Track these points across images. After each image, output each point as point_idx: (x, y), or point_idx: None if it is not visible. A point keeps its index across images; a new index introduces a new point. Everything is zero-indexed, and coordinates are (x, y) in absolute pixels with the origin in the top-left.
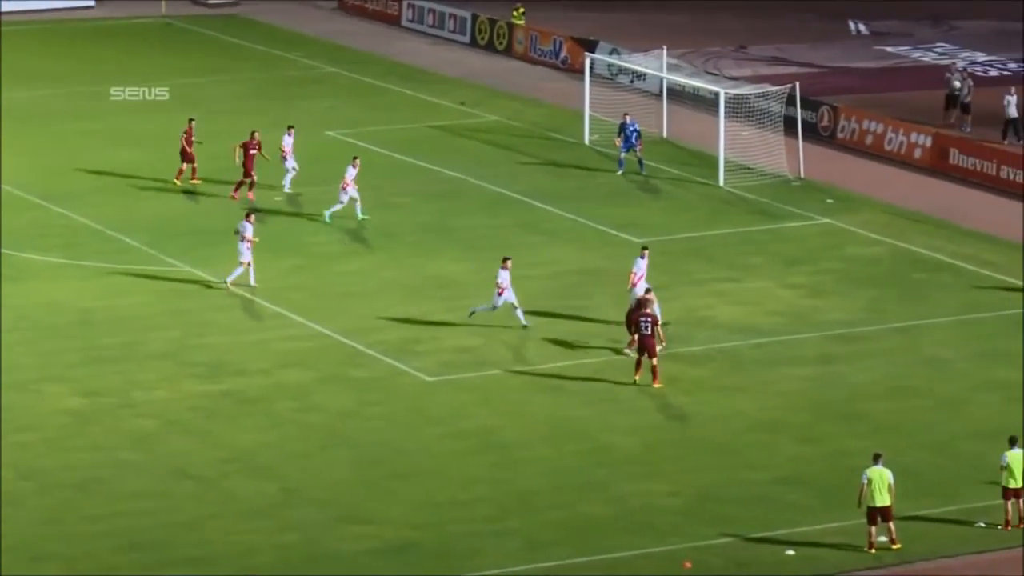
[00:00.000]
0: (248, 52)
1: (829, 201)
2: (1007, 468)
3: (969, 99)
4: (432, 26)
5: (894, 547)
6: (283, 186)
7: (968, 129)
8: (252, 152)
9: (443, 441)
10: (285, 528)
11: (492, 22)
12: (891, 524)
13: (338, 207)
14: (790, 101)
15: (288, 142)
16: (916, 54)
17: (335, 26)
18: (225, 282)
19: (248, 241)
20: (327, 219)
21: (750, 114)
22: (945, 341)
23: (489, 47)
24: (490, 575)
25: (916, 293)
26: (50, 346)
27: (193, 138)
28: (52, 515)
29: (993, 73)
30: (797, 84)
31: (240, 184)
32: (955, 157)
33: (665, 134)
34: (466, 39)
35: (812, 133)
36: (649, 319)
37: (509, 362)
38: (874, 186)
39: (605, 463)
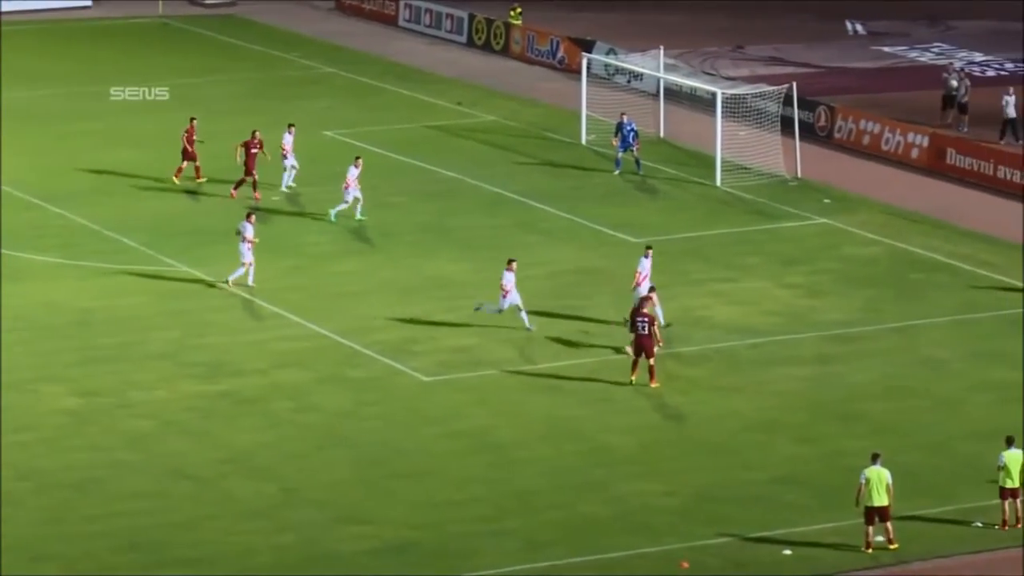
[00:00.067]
0: (245, 52)
1: (826, 201)
2: (1004, 468)
3: (966, 99)
4: (429, 26)
5: (891, 547)
6: (282, 185)
7: (965, 129)
8: (254, 151)
9: (441, 441)
10: (283, 528)
11: (489, 22)
12: (889, 524)
13: (343, 206)
14: (787, 101)
15: (288, 140)
16: (913, 54)
17: (332, 26)
18: (226, 281)
19: (249, 242)
20: (332, 218)
21: (747, 114)
22: (942, 341)
23: (486, 47)
24: (488, 575)
25: (913, 293)
26: (48, 346)
27: (195, 137)
28: (51, 515)
29: (990, 73)
30: (794, 84)
31: (240, 182)
32: (952, 157)
33: (662, 134)
34: (463, 39)
35: (809, 133)
36: (646, 319)
37: (506, 362)
38: (871, 186)
39: (602, 463)
